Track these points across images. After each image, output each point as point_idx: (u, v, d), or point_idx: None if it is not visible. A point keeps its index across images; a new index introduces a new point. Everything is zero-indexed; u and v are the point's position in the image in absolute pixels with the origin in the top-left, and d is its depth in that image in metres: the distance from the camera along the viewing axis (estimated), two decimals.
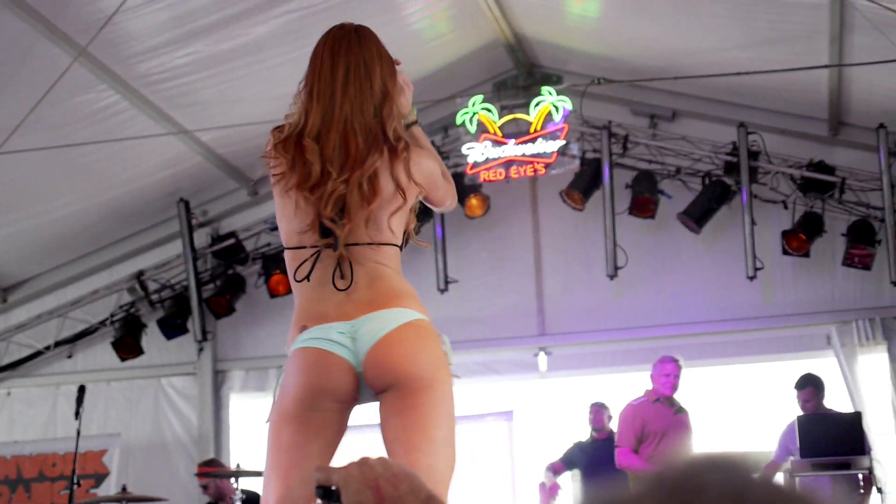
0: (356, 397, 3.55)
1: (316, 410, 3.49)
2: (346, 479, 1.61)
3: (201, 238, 11.85)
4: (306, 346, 3.52)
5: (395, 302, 3.54)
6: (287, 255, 3.72)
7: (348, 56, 3.68)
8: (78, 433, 9.35)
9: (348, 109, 3.62)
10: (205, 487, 10.10)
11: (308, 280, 3.58)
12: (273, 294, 11.32)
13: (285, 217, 3.68)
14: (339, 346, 3.49)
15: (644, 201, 10.59)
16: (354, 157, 3.57)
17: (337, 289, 3.54)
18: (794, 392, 9.40)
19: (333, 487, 1.61)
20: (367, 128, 3.62)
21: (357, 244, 3.57)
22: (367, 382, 3.51)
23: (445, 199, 4.00)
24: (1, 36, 7.29)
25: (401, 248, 3.71)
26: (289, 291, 11.55)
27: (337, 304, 3.54)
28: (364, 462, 1.64)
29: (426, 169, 3.78)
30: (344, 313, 3.52)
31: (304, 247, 3.61)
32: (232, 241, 11.71)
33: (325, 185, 3.54)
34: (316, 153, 3.57)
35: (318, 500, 1.63)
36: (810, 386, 9.37)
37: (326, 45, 3.74)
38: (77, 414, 9.36)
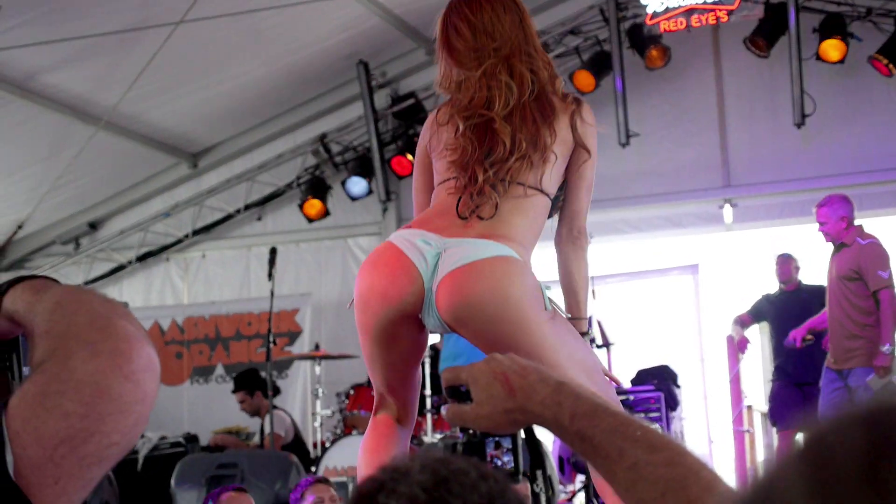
0: (416, 312, 3.42)
1: (379, 318, 3.41)
2: (475, 375, 1.60)
3: (381, 99, 11.92)
4: (391, 242, 3.45)
5: (500, 239, 3.39)
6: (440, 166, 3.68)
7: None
8: (272, 293, 9.65)
9: (506, 52, 3.59)
10: (242, 402, 10.34)
11: (458, 206, 3.48)
12: None
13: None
14: (419, 254, 3.38)
15: (833, 45, 10.18)
16: (534, 133, 3.51)
17: (459, 215, 3.46)
18: None
19: (462, 387, 1.61)
20: (545, 99, 3.57)
21: (505, 181, 3.49)
22: (438, 306, 3.37)
23: (582, 198, 3.69)
24: None
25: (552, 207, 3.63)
26: None
27: (450, 222, 3.45)
28: (491, 358, 1.64)
29: (595, 141, 3.66)
30: (448, 228, 3.43)
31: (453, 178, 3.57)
32: (411, 100, 11.75)
33: (482, 115, 3.51)
34: (509, 134, 3.50)
35: (449, 400, 1.63)
36: None
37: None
38: (270, 275, 9.65)
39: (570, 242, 3.67)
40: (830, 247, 8.51)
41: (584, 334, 3.65)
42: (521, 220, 3.48)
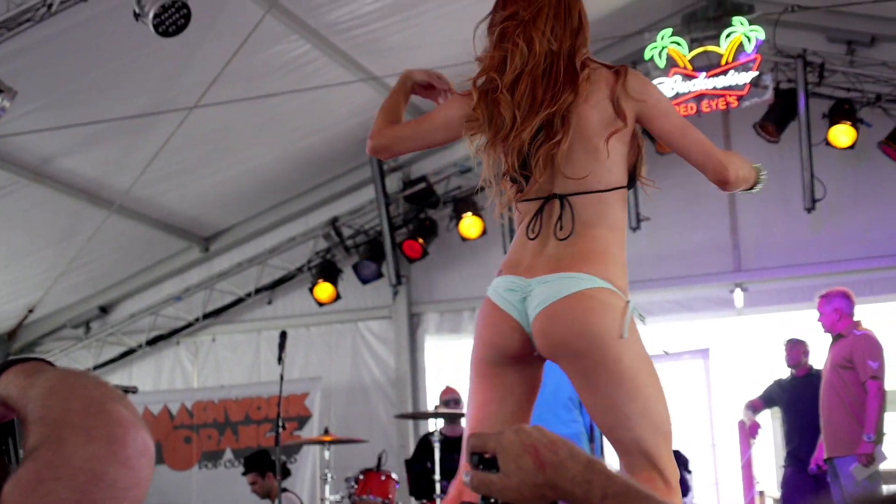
0: (530, 355, 3.48)
1: (498, 366, 3.47)
2: (504, 446, 1.58)
3: (393, 183, 11.99)
4: (488, 296, 3.50)
5: (581, 264, 3.38)
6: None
7: None
8: (281, 377, 9.61)
9: (545, 47, 3.49)
10: (253, 484, 10.27)
11: (528, 235, 3.50)
12: (464, 237, 11.39)
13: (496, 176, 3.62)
14: (509, 304, 3.43)
15: (842, 130, 10.23)
16: (542, 99, 3.45)
17: (528, 238, 3.49)
18: None
19: (489, 455, 1.59)
20: (560, 65, 3.48)
21: (565, 194, 3.47)
22: (537, 347, 3.44)
23: (690, 143, 3.57)
24: None
25: (628, 187, 3.58)
26: (481, 234, 11.46)
27: (532, 254, 3.47)
28: (520, 429, 1.62)
29: (642, 88, 3.53)
30: (531, 267, 3.44)
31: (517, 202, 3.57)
32: (423, 185, 11.81)
33: (510, 136, 3.46)
34: (507, 104, 3.48)
35: (473, 468, 1.60)
36: None
37: None
38: (280, 359, 9.61)
39: (722, 184, 3.66)
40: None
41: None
42: (596, 229, 3.47)
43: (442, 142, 3.76)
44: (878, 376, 8.36)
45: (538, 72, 3.47)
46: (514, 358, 3.47)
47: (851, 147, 10.26)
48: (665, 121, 3.53)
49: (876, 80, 10.42)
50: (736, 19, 10.47)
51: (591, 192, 3.45)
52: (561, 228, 3.44)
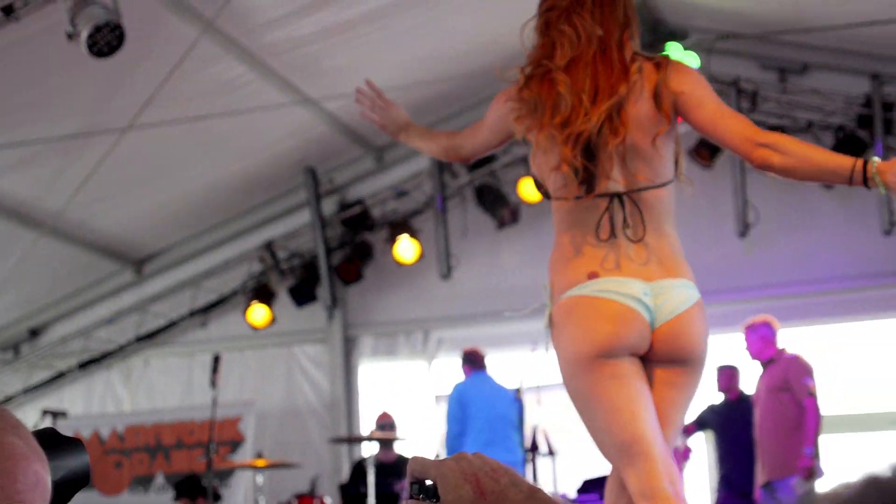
0: (641, 356, 3.55)
1: (619, 357, 3.45)
2: (444, 473, 1.56)
3: (329, 206, 11.95)
4: (606, 297, 3.45)
5: (680, 269, 3.53)
6: (553, 203, 3.63)
7: None
8: (214, 401, 9.53)
9: (597, 38, 3.51)
10: None
11: (599, 235, 3.48)
12: (400, 261, 11.38)
13: (544, 165, 3.58)
14: (643, 306, 3.45)
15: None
16: (603, 89, 3.46)
17: (599, 238, 3.49)
18: None
19: (429, 482, 1.56)
20: (613, 56, 3.51)
21: (629, 191, 3.49)
22: (653, 348, 3.50)
23: (733, 124, 3.57)
24: (130, 12, 7.38)
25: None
26: (418, 258, 11.43)
27: (622, 255, 3.48)
28: (461, 457, 1.60)
29: (683, 78, 3.58)
30: (633, 270, 3.47)
31: (567, 198, 3.54)
32: (359, 208, 11.79)
33: (573, 123, 3.44)
34: (567, 85, 3.46)
35: (411, 497, 1.57)
36: None
37: None
38: (213, 382, 9.53)
39: (765, 157, 3.55)
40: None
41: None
42: (664, 226, 3.55)
43: (495, 144, 3.82)
44: (814, 393, 8.58)
45: (589, 57, 3.47)
46: (635, 355, 3.51)
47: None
48: (698, 112, 3.56)
49: (807, 107, 10.56)
50: (670, 45, 10.57)
51: (652, 188, 3.50)
52: (631, 227, 3.47)
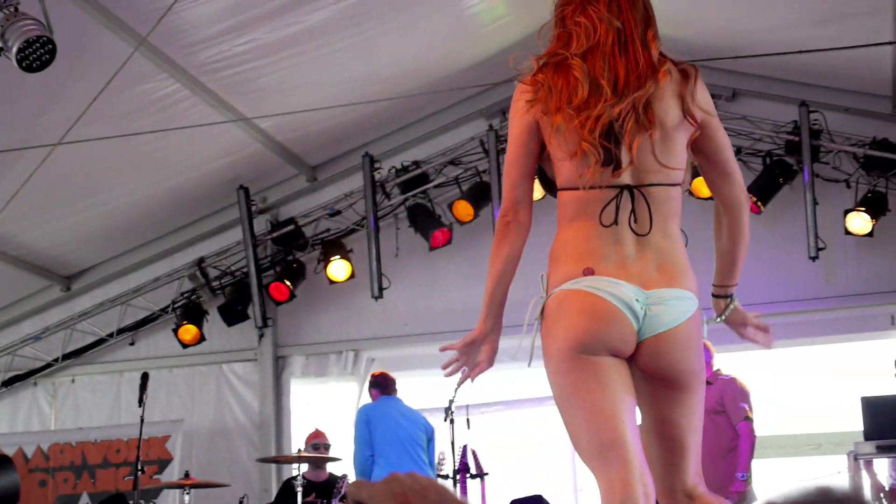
0: (629, 362, 3.48)
1: (598, 355, 3.38)
2: (373, 495, 1.59)
3: (261, 225, 11.91)
4: (593, 293, 3.39)
5: (682, 278, 3.48)
6: (560, 196, 3.55)
7: None
8: (142, 420, 9.44)
9: (615, 29, 3.50)
10: None
11: (602, 222, 3.43)
12: (332, 280, 11.37)
13: (558, 152, 3.50)
14: (632, 312, 3.38)
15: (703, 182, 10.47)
16: (627, 80, 3.42)
17: (602, 225, 3.44)
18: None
19: None
20: (637, 49, 3.50)
21: (641, 185, 3.44)
22: (639, 359, 3.45)
23: (733, 171, 3.68)
24: (62, 27, 7.32)
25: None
26: (349, 277, 11.39)
27: (625, 255, 3.42)
28: (392, 478, 1.62)
29: (708, 99, 3.58)
30: (632, 273, 3.41)
31: (577, 188, 3.45)
32: (291, 227, 11.76)
33: (592, 107, 3.40)
34: (584, 70, 3.43)
35: None
36: None
37: None
38: (140, 401, 9.44)
39: (736, 212, 3.81)
40: None
41: (729, 298, 3.87)
42: (670, 226, 3.50)
43: (534, 162, 3.63)
44: (749, 418, 8.63)
45: (608, 48, 3.46)
46: (617, 357, 3.43)
47: (712, 198, 10.47)
48: (721, 133, 3.61)
49: (737, 133, 10.69)
50: None
51: (665, 186, 3.45)
52: (638, 221, 3.42)
